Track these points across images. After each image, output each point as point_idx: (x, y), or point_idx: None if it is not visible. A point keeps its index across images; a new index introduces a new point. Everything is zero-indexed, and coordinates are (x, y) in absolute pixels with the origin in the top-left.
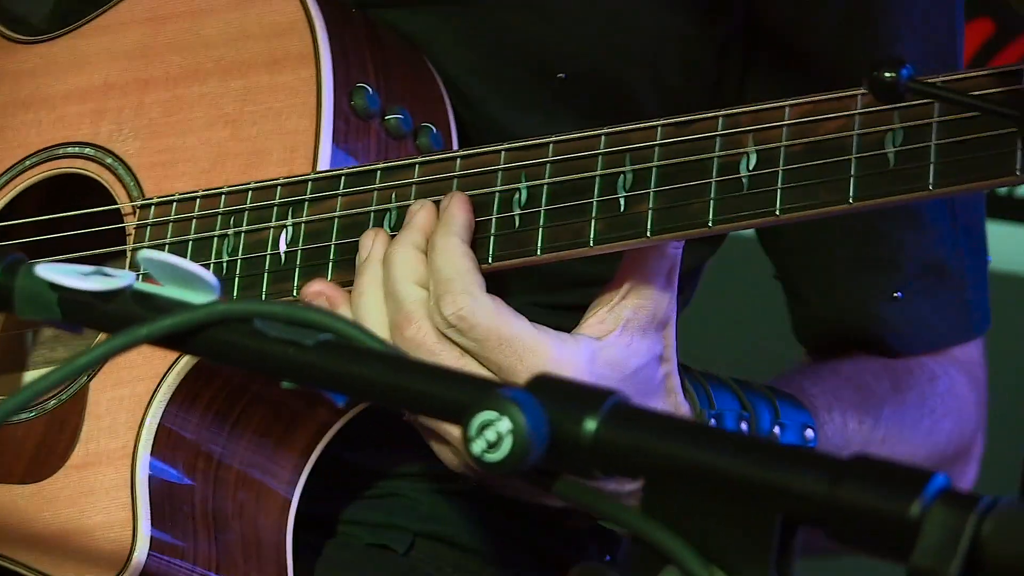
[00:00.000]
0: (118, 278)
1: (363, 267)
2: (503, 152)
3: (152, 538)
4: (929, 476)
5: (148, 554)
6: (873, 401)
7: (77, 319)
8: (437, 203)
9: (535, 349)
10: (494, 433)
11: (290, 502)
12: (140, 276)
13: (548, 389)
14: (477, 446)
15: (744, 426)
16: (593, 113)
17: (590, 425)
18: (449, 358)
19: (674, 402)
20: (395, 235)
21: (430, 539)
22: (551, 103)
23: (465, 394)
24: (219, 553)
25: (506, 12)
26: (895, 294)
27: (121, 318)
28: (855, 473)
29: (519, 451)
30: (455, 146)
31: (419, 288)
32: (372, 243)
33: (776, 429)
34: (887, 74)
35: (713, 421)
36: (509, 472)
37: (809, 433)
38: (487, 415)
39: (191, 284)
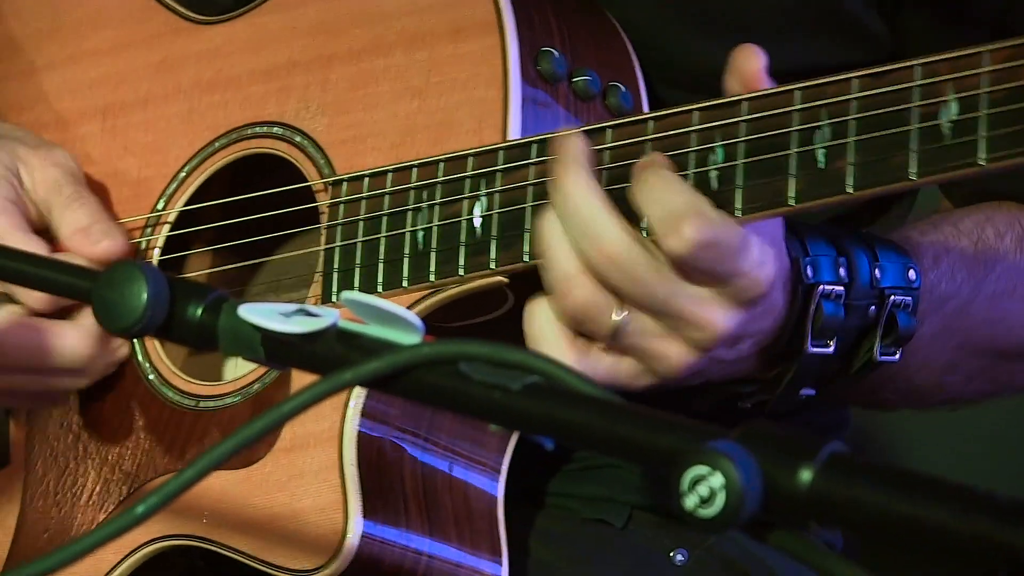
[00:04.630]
0: (321, 318)
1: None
2: (695, 112)
3: (364, 519)
4: None
5: (361, 536)
6: (989, 255)
7: (281, 359)
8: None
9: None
10: (706, 488)
11: (499, 473)
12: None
13: (759, 439)
14: (690, 501)
15: (842, 271)
16: (796, 21)
17: (805, 476)
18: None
19: (781, 251)
20: None
21: (649, 512)
22: (750, 21)
23: (676, 444)
24: (432, 529)
25: None
26: None
27: (326, 359)
28: None
29: (733, 507)
30: (645, 103)
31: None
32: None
33: (876, 272)
34: None
35: (809, 269)
36: (723, 529)
37: (912, 274)
38: (699, 470)
39: (394, 323)
